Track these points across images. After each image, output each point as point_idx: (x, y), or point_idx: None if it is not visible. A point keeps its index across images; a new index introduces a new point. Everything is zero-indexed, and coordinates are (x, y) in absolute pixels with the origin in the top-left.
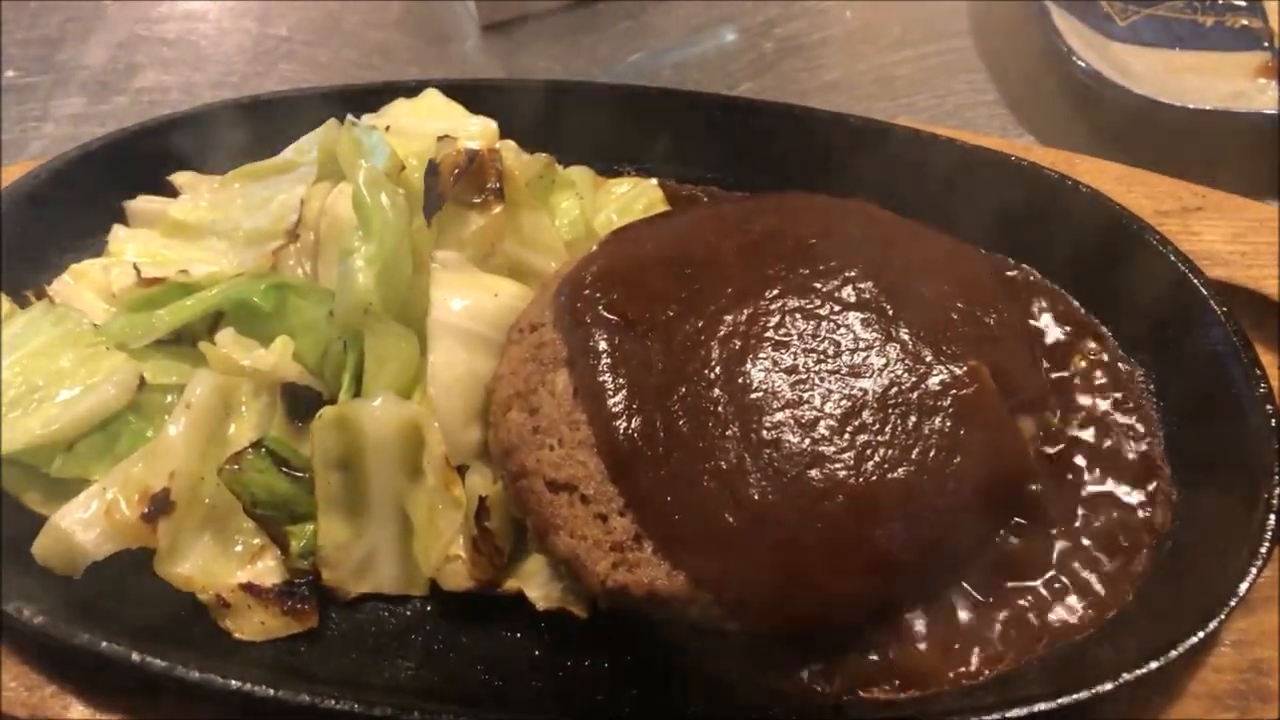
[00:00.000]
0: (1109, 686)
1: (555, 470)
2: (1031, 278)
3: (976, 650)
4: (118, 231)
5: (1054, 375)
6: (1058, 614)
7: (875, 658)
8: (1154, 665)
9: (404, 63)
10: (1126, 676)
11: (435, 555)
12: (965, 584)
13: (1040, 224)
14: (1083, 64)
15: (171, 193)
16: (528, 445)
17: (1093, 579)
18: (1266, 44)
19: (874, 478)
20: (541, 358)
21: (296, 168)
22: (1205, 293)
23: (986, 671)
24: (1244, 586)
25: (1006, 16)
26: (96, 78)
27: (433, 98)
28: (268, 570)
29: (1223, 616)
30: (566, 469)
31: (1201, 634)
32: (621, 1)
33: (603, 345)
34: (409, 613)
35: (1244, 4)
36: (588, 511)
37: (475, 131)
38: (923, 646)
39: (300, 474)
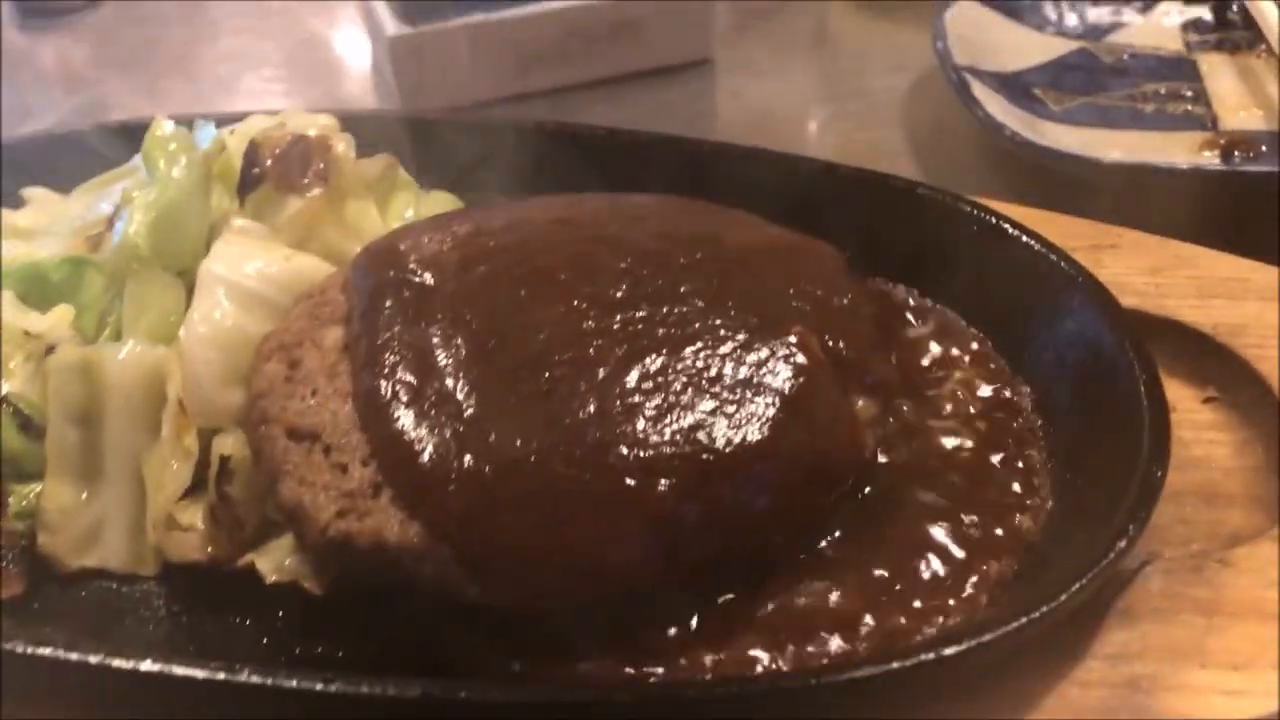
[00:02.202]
0: (894, 666)
1: (299, 417)
2: (910, 294)
3: (788, 647)
4: None
5: (932, 390)
6: (898, 618)
7: (672, 652)
8: (955, 649)
9: None
10: (924, 657)
11: (157, 510)
12: (788, 570)
13: (917, 240)
14: (1009, 132)
15: None
16: (277, 393)
17: (944, 583)
18: (1210, 125)
19: (665, 433)
20: (319, 315)
21: (139, 170)
22: (1081, 279)
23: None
24: (1081, 584)
25: (940, 114)
26: None
27: (291, 114)
28: None
29: (1047, 608)
30: (312, 416)
31: (1014, 625)
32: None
33: (387, 300)
34: (137, 593)
35: (1189, 94)
36: (327, 461)
37: (316, 123)
38: (725, 638)
39: (41, 436)
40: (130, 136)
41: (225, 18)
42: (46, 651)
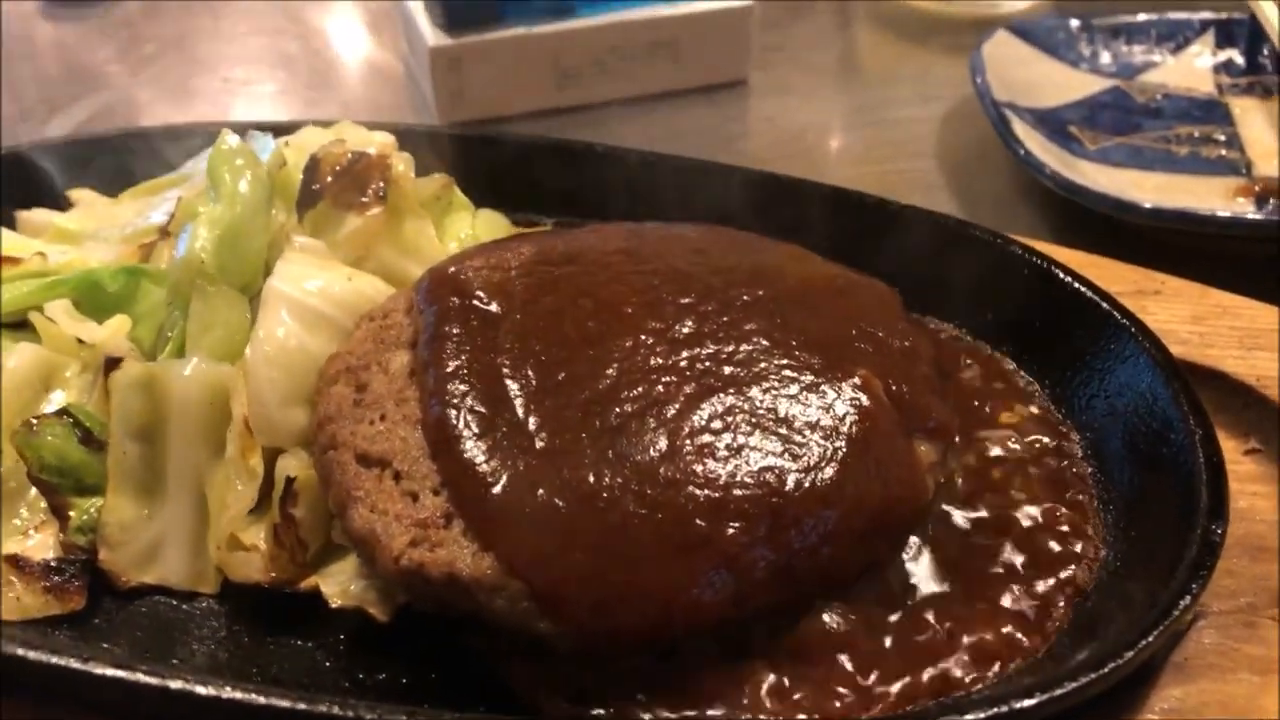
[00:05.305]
0: (968, 717)
1: (369, 443)
2: (961, 335)
3: (850, 691)
4: (3, 235)
5: (984, 434)
6: (954, 662)
7: (729, 691)
8: (1030, 702)
9: None
10: (998, 710)
11: (220, 530)
12: (849, 614)
13: (969, 281)
14: (1050, 172)
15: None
16: (345, 417)
17: (1000, 630)
18: (1244, 170)
19: (735, 475)
20: (384, 338)
21: (190, 179)
22: (1134, 329)
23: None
24: (1147, 640)
25: (974, 146)
26: None
27: (345, 126)
28: (42, 545)
29: (1115, 664)
30: (382, 443)
31: (1084, 680)
32: (583, 113)
33: (454, 328)
34: (196, 611)
35: (1222, 138)
36: (398, 488)
37: (374, 140)
38: (788, 682)
39: (102, 448)
40: (171, 142)
41: (250, 16)
42: (120, 673)
